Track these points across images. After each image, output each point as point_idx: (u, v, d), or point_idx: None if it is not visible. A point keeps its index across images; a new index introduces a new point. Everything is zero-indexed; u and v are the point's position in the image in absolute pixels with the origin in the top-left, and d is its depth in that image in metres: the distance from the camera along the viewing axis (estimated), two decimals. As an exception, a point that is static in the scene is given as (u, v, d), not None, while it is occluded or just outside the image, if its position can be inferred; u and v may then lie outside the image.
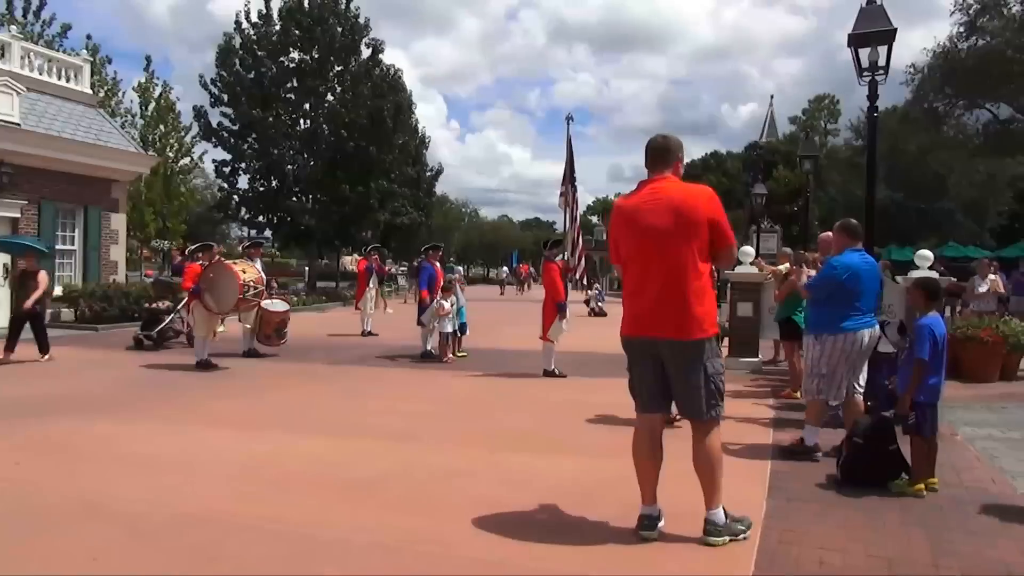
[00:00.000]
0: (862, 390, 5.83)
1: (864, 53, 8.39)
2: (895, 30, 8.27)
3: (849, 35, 8.50)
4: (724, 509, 4.00)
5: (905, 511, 4.56)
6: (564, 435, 6.75)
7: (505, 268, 48.06)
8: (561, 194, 12.25)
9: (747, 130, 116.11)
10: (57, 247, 17.11)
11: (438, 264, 12.54)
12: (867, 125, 8.23)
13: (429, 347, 12.18)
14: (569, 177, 12.19)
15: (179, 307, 13.15)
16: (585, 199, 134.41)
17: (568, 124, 12.77)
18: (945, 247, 27.81)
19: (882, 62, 7.91)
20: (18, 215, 15.98)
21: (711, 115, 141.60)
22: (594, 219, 76.05)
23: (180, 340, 13.52)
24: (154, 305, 13.93)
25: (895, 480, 4.96)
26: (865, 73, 8.27)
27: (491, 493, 4.89)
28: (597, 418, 7.42)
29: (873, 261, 6.02)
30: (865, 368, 5.84)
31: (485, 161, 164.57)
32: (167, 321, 13.30)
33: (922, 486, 4.89)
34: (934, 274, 9.20)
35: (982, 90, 27.04)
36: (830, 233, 6.29)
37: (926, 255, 9.85)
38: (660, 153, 4.13)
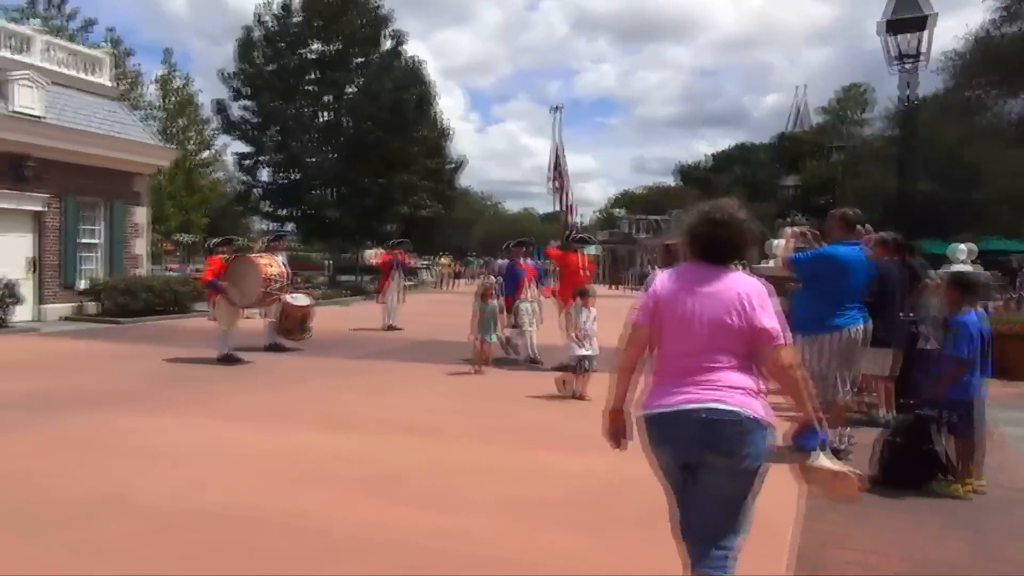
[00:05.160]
0: (849, 390, 5.75)
1: (899, 40, 8.21)
2: (930, 16, 8.08)
3: (882, 22, 8.32)
4: None
5: (946, 513, 4.46)
6: (589, 432, 6.68)
7: (499, 261, 42.22)
8: (551, 179, 12.43)
9: (773, 121, 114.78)
10: (81, 241, 17.33)
11: (528, 261, 11.57)
12: (902, 115, 8.06)
13: (528, 353, 10.96)
14: (556, 165, 12.41)
15: None
16: (608, 191, 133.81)
17: (556, 115, 12.99)
18: (987, 241, 27.22)
19: (923, 48, 7.73)
20: (42, 208, 16.19)
21: (736, 105, 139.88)
22: (620, 211, 75.53)
23: None
24: None
25: (936, 481, 4.85)
26: (899, 61, 8.10)
27: (515, 490, 4.86)
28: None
29: (860, 256, 5.77)
30: (856, 368, 5.80)
31: (507, 153, 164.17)
32: None
33: (965, 487, 4.77)
34: (969, 268, 9.02)
35: (1019, 78, 26.46)
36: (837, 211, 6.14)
37: (961, 249, 9.66)
38: None
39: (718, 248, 2.83)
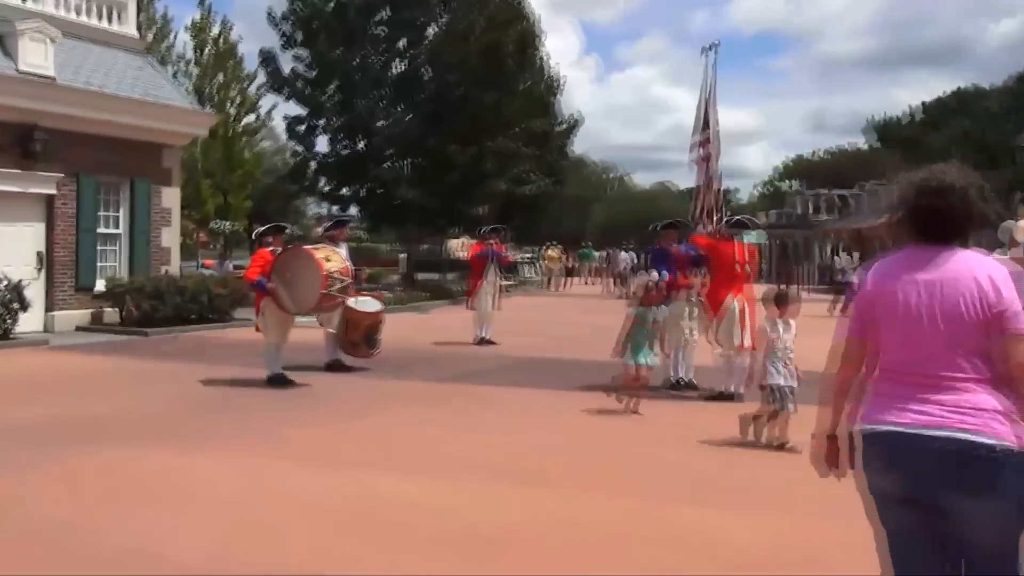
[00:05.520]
0: None
1: None
2: None
3: None
4: None
5: None
6: (754, 484, 6.53)
7: (623, 254, 39.73)
8: (697, 145, 12.16)
9: (1008, 57, 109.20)
10: (99, 231, 18.10)
11: (679, 247, 11.31)
12: None
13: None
14: (705, 125, 12.12)
15: None
16: (775, 158, 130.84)
17: (707, 57, 12.61)
18: None
19: None
20: (53, 191, 16.99)
21: (954, 37, 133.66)
22: (793, 184, 73.60)
23: None
24: None
25: None
26: None
27: (663, 561, 4.79)
28: (798, 462, 7.10)
29: None
30: None
31: (635, 109, 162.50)
32: None
33: None
34: None
35: None
36: None
37: None
38: None
39: (939, 223, 2.89)
